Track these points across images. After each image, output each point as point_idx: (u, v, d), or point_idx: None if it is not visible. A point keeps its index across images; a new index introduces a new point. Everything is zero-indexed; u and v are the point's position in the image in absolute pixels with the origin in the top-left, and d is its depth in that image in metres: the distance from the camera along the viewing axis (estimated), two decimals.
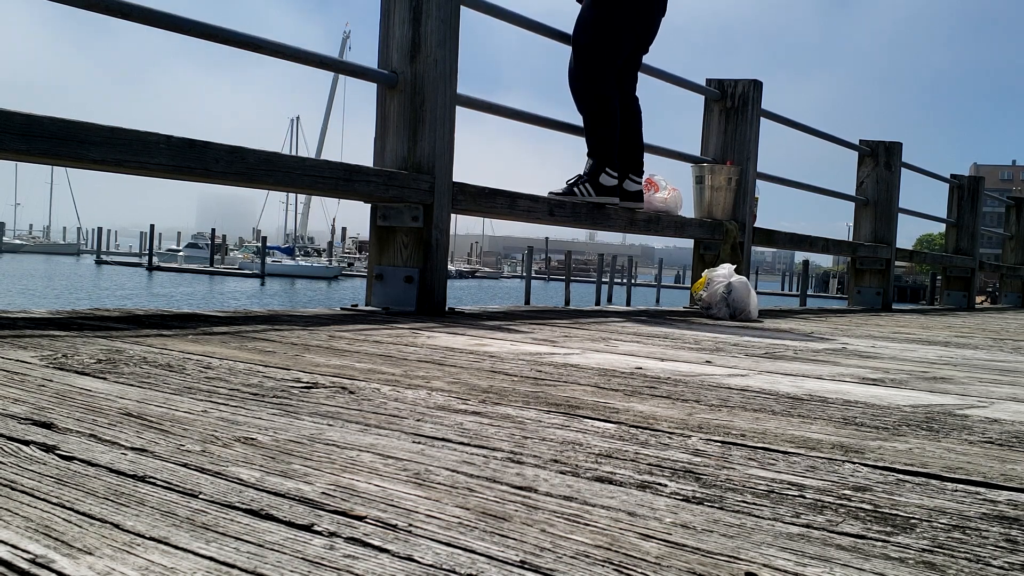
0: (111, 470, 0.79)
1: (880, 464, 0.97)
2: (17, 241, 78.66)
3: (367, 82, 3.03)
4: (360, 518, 0.68)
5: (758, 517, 0.74)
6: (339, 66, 3.52)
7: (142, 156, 2.16)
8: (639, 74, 3.83)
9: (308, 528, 0.65)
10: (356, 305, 3.00)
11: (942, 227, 8.36)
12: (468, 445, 0.96)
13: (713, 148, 4.76)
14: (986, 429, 1.24)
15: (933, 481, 0.91)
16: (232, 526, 0.65)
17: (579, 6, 3.69)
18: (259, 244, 49.54)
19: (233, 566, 0.57)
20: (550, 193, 3.64)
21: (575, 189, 3.63)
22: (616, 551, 0.64)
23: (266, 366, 1.49)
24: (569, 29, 3.68)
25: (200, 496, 0.72)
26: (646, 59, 3.87)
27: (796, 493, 0.83)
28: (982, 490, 0.88)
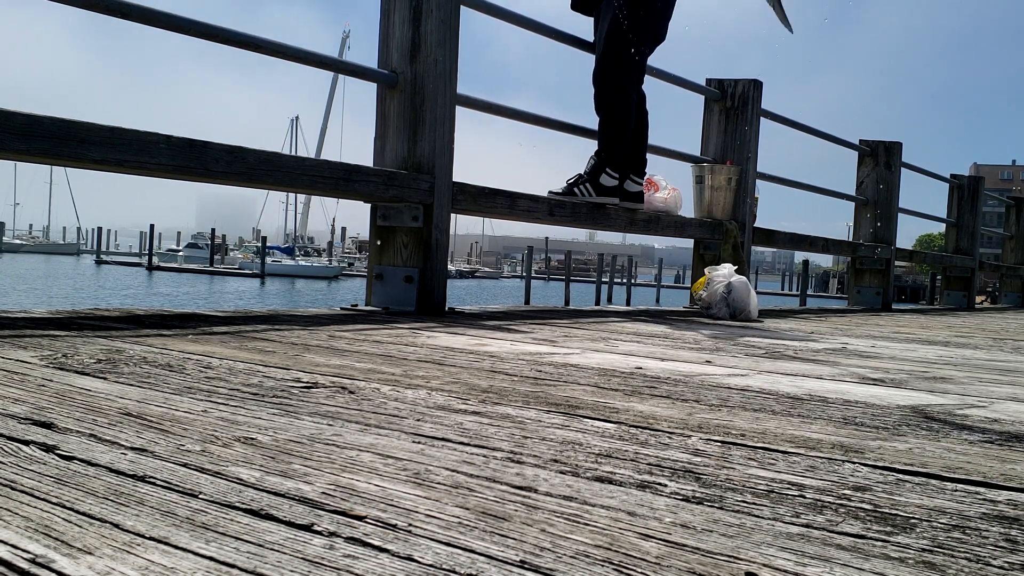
0: (111, 470, 0.79)
1: (880, 464, 0.97)
2: (17, 241, 78.63)
3: (367, 82, 3.03)
4: (360, 518, 0.68)
5: (758, 517, 0.74)
6: (339, 66, 3.52)
7: (142, 156, 2.16)
8: None
9: (308, 528, 0.65)
10: (356, 305, 3.00)
11: (942, 227, 8.36)
12: (468, 445, 0.96)
13: (713, 148, 4.76)
14: (986, 429, 1.24)
15: (933, 481, 0.91)
16: (232, 526, 0.65)
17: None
18: (259, 244, 49.54)
19: (233, 566, 0.57)
20: (550, 192, 3.64)
21: (575, 189, 3.63)
22: (616, 551, 0.64)
23: (266, 366, 1.49)
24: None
25: (200, 496, 0.72)
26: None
27: (796, 493, 0.83)
28: (982, 490, 0.88)
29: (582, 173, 3.66)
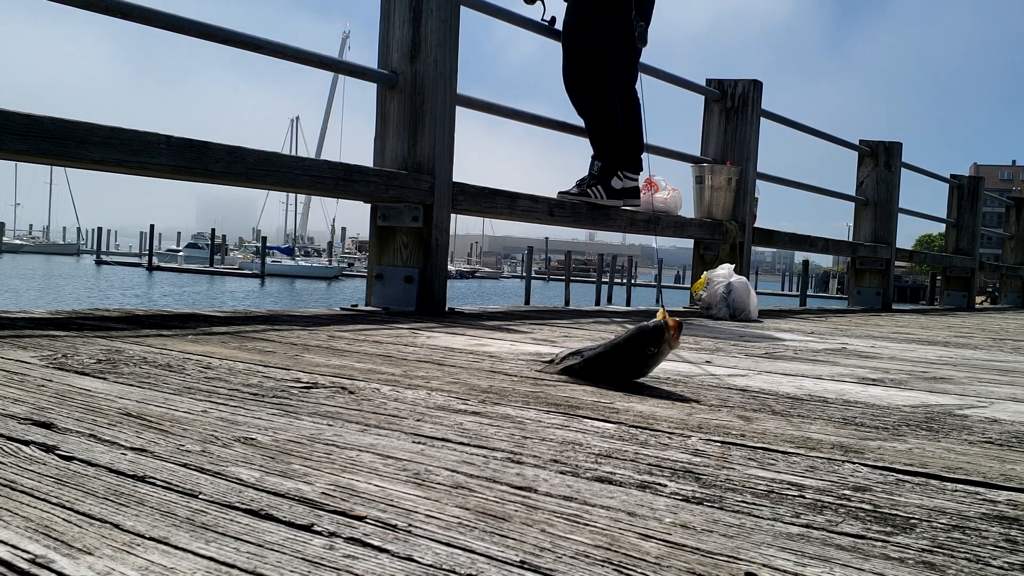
0: (111, 470, 0.79)
1: (880, 464, 0.97)
2: (17, 241, 78.58)
3: (367, 82, 3.03)
4: (360, 518, 0.68)
5: (758, 517, 0.74)
6: (339, 66, 3.52)
7: (142, 156, 2.16)
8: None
9: (308, 528, 0.65)
10: (356, 305, 3.00)
11: (942, 227, 8.36)
12: (468, 445, 0.96)
13: (713, 148, 4.76)
14: (986, 429, 1.24)
15: (933, 481, 0.91)
16: (232, 526, 0.65)
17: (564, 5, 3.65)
18: (259, 244, 49.56)
19: (233, 566, 0.57)
20: (559, 193, 3.64)
21: (589, 191, 3.60)
22: (616, 551, 0.64)
23: (266, 366, 1.49)
24: None
25: (200, 496, 0.72)
26: (647, 58, 3.85)
27: (796, 493, 0.83)
28: (982, 490, 0.88)
29: (589, 175, 3.63)
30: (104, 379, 1.26)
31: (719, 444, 1.04)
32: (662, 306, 1.46)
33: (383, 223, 2.99)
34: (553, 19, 3.55)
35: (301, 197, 75.79)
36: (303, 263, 51.57)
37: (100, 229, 66.75)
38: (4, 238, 71.69)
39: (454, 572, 0.58)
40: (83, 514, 0.66)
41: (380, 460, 0.87)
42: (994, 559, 0.67)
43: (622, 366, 1.45)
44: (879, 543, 0.69)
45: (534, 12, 3.57)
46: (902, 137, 18.25)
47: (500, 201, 3.23)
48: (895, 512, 0.78)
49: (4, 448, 0.84)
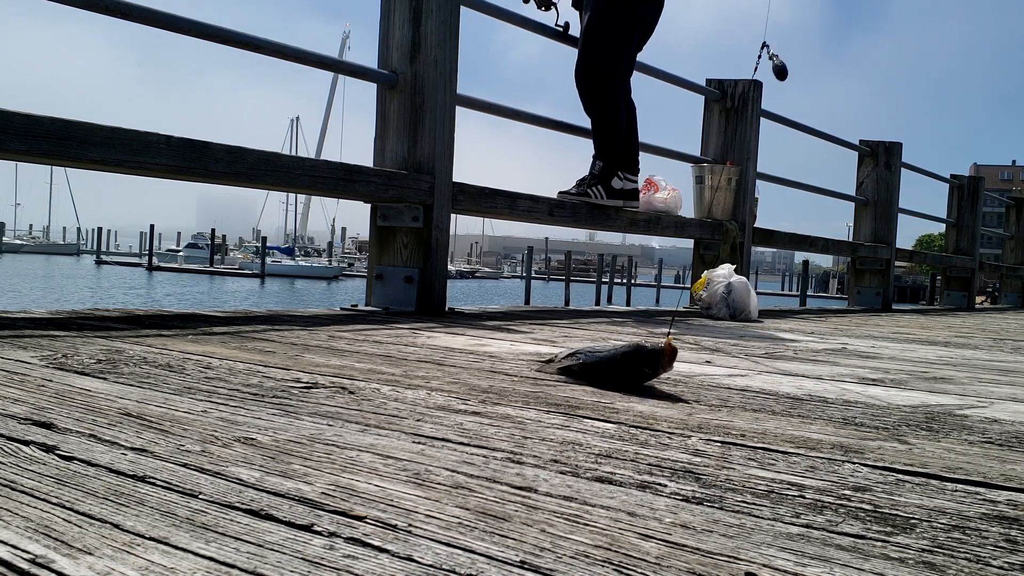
0: (111, 470, 0.79)
1: (880, 464, 0.97)
2: (17, 241, 78.57)
3: (367, 82, 3.03)
4: (360, 518, 0.68)
5: (758, 517, 0.74)
6: (339, 66, 3.52)
7: (142, 156, 2.16)
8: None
9: (308, 528, 0.65)
10: (356, 305, 3.00)
11: (942, 227, 8.36)
12: (468, 445, 0.96)
13: (713, 148, 4.76)
14: (986, 429, 1.24)
15: (933, 481, 0.91)
16: (232, 526, 0.65)
17: (570, 7, 3.67)
18: (259, 244, 49.56)
19: (233, 566, 0.57)
20: (560, 193, 3.64)
21: (589, 191, 3.61)
22: (616, 551, 0.64)
23: (266, 366, 1.49)
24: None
25: (200, 496, 0.72)
26: (648, 58, 3.86)
27: (796, 493, 0.83)
28: (982, 490, 0.88)
29: (589, 175, 3.64)
30: (104, 379, 1.26)
31: (719, 444, 1.04)
32: (670, 332, 1.48)
33: (383, 223, 2.99)
34: (567, 24, 3.58)
35: (301, 197, 75.90)
36: (303, 263, 51.60)
37: (100, 229, 66.72)
38: (4, 238, 71.68)
39: (454, 572, 0.58)
40: (83, 514, 0.66)
41: (380, 460, 0.87)
42: (994, 559, 0.67)
43: (616, 378, 1.47)
44: (879, 543, 0.69)
45: (548, 18, 3.58)
46: (902, 137, 18.26)
47: (500, 201, 3.23)
48: (895, 512, 0.78)
49: (4, 448, 0.84)
